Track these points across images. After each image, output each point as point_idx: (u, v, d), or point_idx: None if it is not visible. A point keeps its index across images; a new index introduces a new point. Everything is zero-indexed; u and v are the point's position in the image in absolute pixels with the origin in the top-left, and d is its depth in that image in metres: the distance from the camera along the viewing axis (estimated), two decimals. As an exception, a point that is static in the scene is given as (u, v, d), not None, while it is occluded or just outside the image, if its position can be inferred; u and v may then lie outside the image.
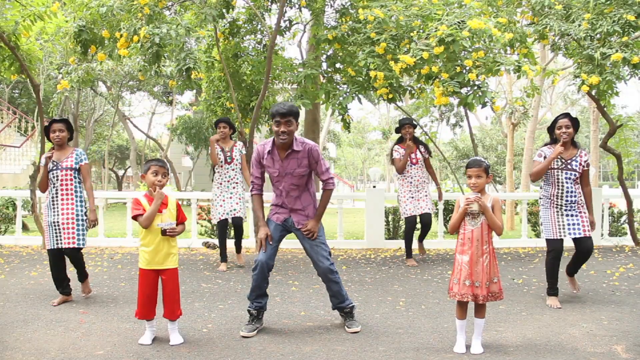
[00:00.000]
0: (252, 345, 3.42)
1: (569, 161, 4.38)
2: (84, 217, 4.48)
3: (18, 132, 16.08)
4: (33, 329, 3.72)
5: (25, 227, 9.51)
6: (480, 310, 3.32)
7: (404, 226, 6.65)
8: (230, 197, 5.99)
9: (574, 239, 4.42)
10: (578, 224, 4.35)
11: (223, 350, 3.33)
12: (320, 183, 3.89)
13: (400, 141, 6.38)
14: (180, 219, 3.60)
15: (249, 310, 3.75)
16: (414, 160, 6.29)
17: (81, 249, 4.48)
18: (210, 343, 3.47)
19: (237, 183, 6.06)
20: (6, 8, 6.38)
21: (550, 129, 4.50)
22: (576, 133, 4.43)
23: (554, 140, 4.48)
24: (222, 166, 6.02)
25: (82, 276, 4.63)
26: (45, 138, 4.57)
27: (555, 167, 4.40)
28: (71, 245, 4.36)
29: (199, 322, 3.94)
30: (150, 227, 3.44)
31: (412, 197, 6.28)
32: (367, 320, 3.99)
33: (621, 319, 3.99)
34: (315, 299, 4.63)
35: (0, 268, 6.00)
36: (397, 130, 6.44)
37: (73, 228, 4.38)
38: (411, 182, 6.28)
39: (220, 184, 6.04)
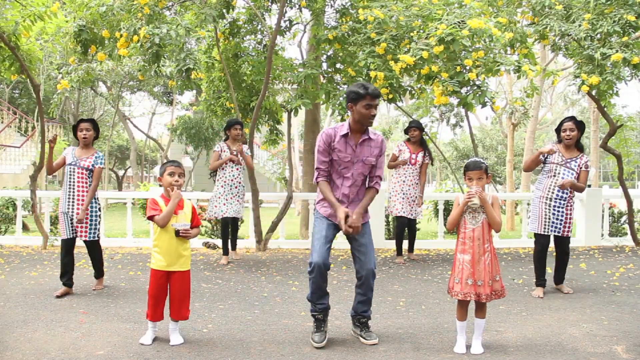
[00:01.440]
0: (252, 346, 3.42)
1: (569, 160, 4.61)
2: (98, 213, 4.85)
3: (18, 132, 16.09)
4: (33, 329, 3.72)
5: (25, 227, 9.51)
6: (480, 310, 3.32)
7: (395, 224, 6.85)
8: (232, 197, 6.25)
9: (554, 237, 4.72)
10: (560, 224, 4.64)
11: (223, 351, 3.33)
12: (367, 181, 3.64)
13: (408, 140, 6.55)
14: (195, 223, 3.59)
15: (313, 315, 3.49)
16: (412, 161, 6.39)
17: (96, 241, 4.85)
18: (210, 343, 3.47)
19: (240, 183, 6.30)
20: (6, 8, 6.38)
21: (557, 130, 4.75)
22: (581, 135, 4.66)
23: (560, 141, 4.73)
24: (227, 163, 6.25)
25: (98, 271, 5.00)
26: (73, 136, 4.96)
27: (555, 162, 4.63)
28: (84, 238, 4.76)
29: (199, 322, 3.93)
30: (165, 228, 3.44)
31: (403, 198, 6.37)
32: (367, 321, 3.99)
33: (621, 319, 3.99)
34: (316, 299, 4.63)
35: (0, 268, 6.00)
36: (406, 132, 6.60)
37: (86, 223, 4.74)
38: (404, 181, 6.39)
39: (225, 182, 6.25)
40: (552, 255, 4.91)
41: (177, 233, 3.44)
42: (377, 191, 3.56)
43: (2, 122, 15.03)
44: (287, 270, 5.93)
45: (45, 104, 14.23)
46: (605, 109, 7.11)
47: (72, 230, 4.76)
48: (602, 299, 4.60)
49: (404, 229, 6.57)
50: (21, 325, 3.80)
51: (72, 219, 4.73)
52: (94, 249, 4.91)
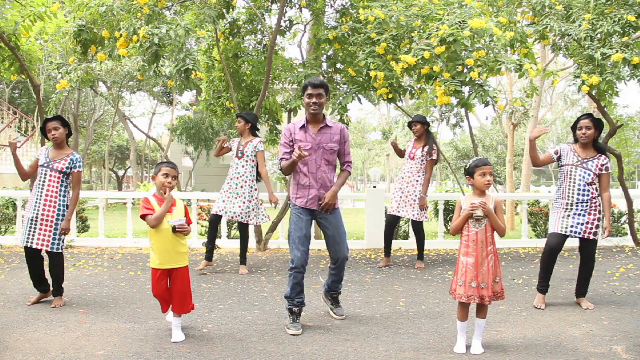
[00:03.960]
0: (252, 346, 3.42)
1: (584, 160, 4.28)
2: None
3: (18, 132, 16.09)
4: (33, 329, 3.72)
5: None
6: (481, 311, 3.32)
7: (385, 222, 6.38)
8: (236, 197, 5.70)
9: (579, 240, 4.35)
10: (582, 224, 4.24)
11: (223, 351, 3.33)
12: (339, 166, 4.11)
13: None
14: (187, 222, 3.60)
15: (290, 309, 3.80)
16: (411, 155, 6.12)
17: (57, 253, 4.34)
18: (210, 343, 3.47)
19: (246, 182, 5.71)
20: (6, 8, 6.38)
21: (573, 129, 4.42)
22: (599, 134, 4.33)
23: (575, 140, 4.41)
24: (232, 159, 5.84)
25: (57, 290, 4.42)
26: (45, 139, 4.55)
27: (570, 163, 4.31)
28: (44, 247, 4.26)
29: (199, 322, 3.93)
30: (159, 227, 3.46)
31: (401, 196, 6.11)
32: (367, 320, 3.99)
33: (621, 319, 3.99)
34: (316, 299, 4.63)
35: (0, 268, 5.99)
36: (409, 128, 6.33)
37: (50, 230, 4.27)
38: (403, 178, 6.14)
39: (231, 179, 5.77)
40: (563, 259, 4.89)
41: (173, 229, 3.46)
42: (349, 173, 4.04)
43: (2, 122, 15.02)
44: (287, 271, 5.92)
45: (45, 104, 14.22)
46: (606, 109, 7.11)
47: (31, 238, 4.26)
48: (602, 299, 4.60)
49: (392, 228, 6.29)
50: (21, 325, 3.80)
51: (35, 225, 4.25)
52: (55, 261, 4.36)
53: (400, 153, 6.34)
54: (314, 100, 3.81)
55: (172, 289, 3.54)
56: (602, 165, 4.25)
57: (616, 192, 8.04)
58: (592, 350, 3.32)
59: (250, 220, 5.77)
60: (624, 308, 4.30)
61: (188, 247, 3.66)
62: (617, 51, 5.82)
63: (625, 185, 7.80)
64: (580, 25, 6.13)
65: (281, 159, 3.90)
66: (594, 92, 6.44)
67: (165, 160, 3.94)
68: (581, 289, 4.44)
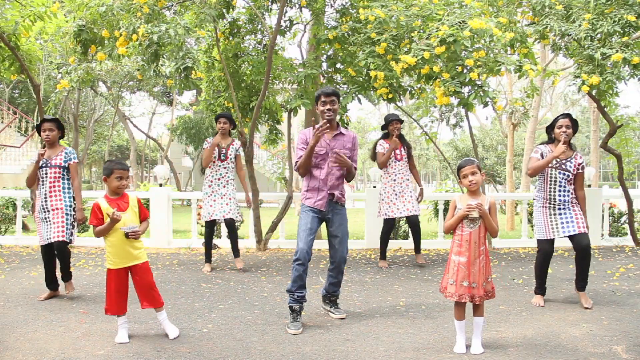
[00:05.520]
0: (252, 346, 3.42)
1: (564, 161, 4.35)
2: (72, 213, 4.63)
3: (18, 132, 16.10)
4: (33, 329, 3.72)
5: (25, 227, 9.51)
6: (478, 309, 3.32)
7: (383, 227, 6.33)
8: (222, 198, 5.87)
9: (570, 238, 4.33)
10: (572, 221, 4.29)
11: (223, 351, 3.33)
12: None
13: (385, 137, 6.27)
14: (143, 217, 3.61)
15: (291, 307, 3.86)
16: (398, 157, 6.16)
17: (68, 243, 4.57)
18: (210, 343, 3.47)
19: (228, 182, 5.91)
20: (6, 8, 6.38)
21: (550, 128, 4.48)
22: (574, 134, 4.42)
23: (552, 140, 4.47)
24: (214, 162, 5.90)
25: (66, 275, 4.70)
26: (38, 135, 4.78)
27: (550, 165, 4.37)
28: (60, 239, 4.47)
29: (199, 322, 3.93)
30: (114, 229, 3.44)
31: (397, 198, 6.11)
32: (367, 320, 3.99)
33: (621, 319, 3.99)
34: (316, 299, 4.63)
35: (0, 268, 6.00)
36: (384, 127, 6.30)
37: (62, 223, 4.51)
38: (395, 180, 6.14)
39: (211, 182, 5.91)
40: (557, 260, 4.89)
41: (126, 235, 3.45)
42: (355, 169, 4.11)
43: (2, 122, 15.03)
44: (287, 270, 5.93)
45: (45, 104, 14.22)
46: (606, 109, 7.11)
47: (49, 235, 4.51)
48: (602, 299, 4.60)
49: (390, 232, 6.31)
50: (21, 325, 3.80)
51: (48, 223, 4.52)
52: (64, 249, 4.57)
53: (384, 164, 6.19)
54: (327, 107, 3.99)
55: (136, 285, 3.52)
56: (578, 164, 4.37)
57: (616, 192, 8.05)
58: (592, 350, 3.32)
59: (239, 216, 6.04)
60: (624, 308, 4.30)
61: (143, 242, 3.64)
62: (617, 51, 5.82)
63: (625, 185, 7.80)
64: (580, 25, 6.14)
65: (297, 161, 4.03)
66: (594, 92, 6.44)
67: (115, 160, 3.94)
68: (581, 282, 4.44)
